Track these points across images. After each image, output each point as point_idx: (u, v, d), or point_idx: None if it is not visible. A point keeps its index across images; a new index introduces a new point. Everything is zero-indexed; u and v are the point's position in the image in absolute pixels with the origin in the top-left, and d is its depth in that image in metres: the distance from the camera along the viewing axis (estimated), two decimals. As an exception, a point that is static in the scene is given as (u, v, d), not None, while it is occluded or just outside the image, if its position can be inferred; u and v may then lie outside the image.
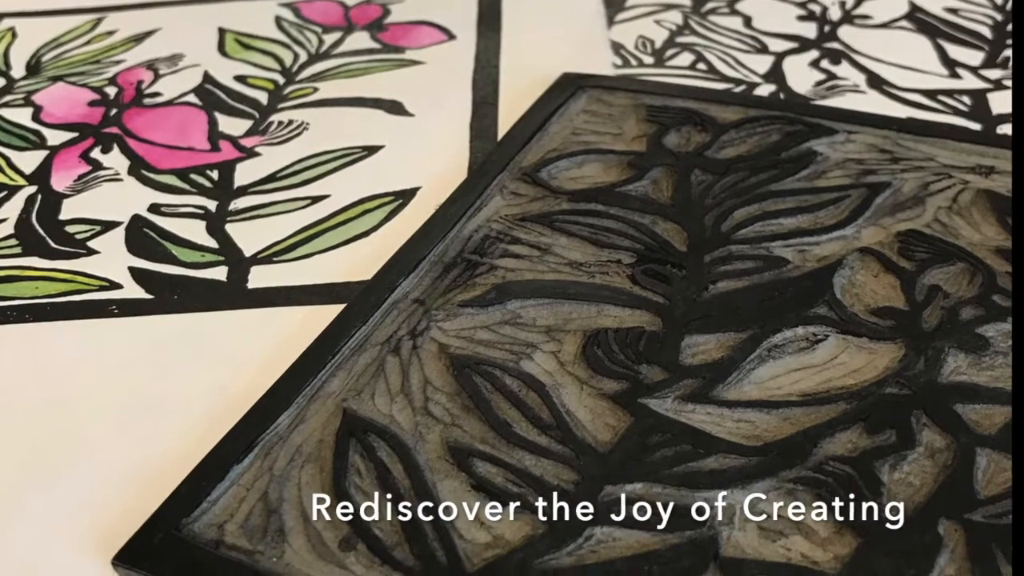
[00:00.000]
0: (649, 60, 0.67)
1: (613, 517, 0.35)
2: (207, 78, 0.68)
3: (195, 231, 0.54)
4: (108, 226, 0.55)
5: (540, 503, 0.36)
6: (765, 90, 0.62)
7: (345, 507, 0.37)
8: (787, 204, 0.50)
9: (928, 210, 0.49)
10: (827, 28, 0.68)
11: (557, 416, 0.39)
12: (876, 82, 0.62)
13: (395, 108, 0.64)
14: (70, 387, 0.45)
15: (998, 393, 0.39)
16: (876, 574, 0.33)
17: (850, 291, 0.44)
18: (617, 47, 0.68)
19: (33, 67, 0.71)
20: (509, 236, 0.49)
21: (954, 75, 0.62)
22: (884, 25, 0.69)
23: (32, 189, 0.58)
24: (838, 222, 0.48)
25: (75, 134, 0.63)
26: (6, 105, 0.67)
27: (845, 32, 0.68)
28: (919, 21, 0.68)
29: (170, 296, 0.49)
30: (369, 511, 0.36)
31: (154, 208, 0.56)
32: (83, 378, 0.45)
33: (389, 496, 0.37)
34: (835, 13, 0.70)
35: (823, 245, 0.47)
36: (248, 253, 0.52)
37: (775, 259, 0.47)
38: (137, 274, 0.51)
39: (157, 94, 0.67)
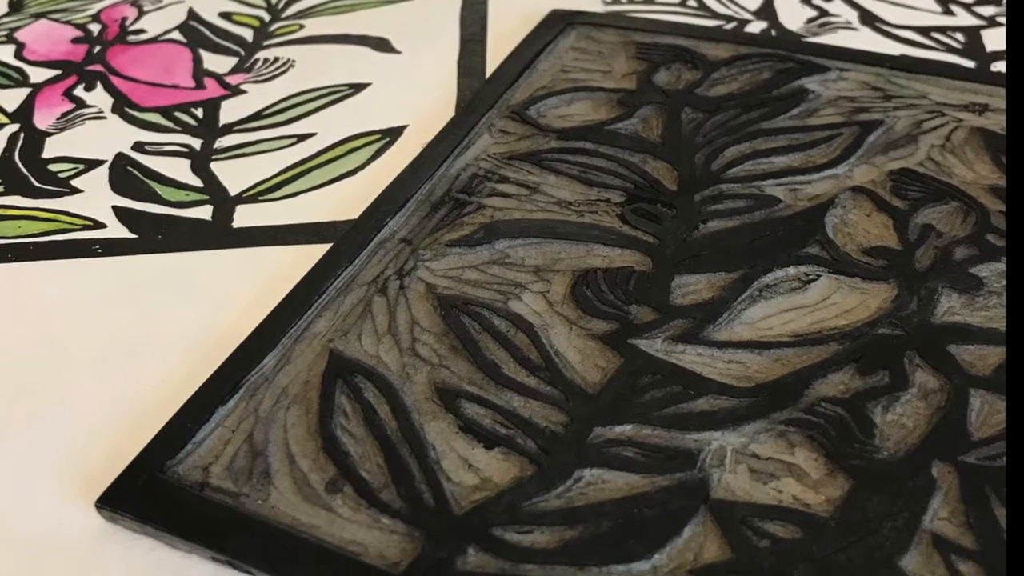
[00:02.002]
0: (639, -3, 0.64)
1: (602, 459, 0.34)
2: (191, 15, 0.66)
3: (180, 170, 0.52)
4: (91, 165, 0.53)
5: (529, 444, 0.35)
6: (756, 27, 0.60)
7: (331, 449, 0.35)
8: (778, 142, 0.48)
9: (921, 148, 0.47)
10: (819, -35, 0.66)
11: (546, 357, 0.38)
12: (868, 19, 0.60)
13: (382, 45, 0.61)
14: (53, 327, 0.43)
15: (992, 333, 0.37)
16: (868, 517, 0.32)
17: (842, 230, 0.43)
18: (607, -16, 0.66)
19: (16, 4, 0.69)
20: (497, 175, 0.47)
21: (947, 12, 0.60)
22: (876, -38, 0.66)
23: (14, 127, 0.56)
24: (830, 161, 0.47)
25: (58, 72, 0.61)
26: (-12, 42, 0.64)
27: (837, -31, 0.66)
28: (912, -42, 0.66)
29: (154, 236, 0.48)
30: (356, 452, 0.35)
31: (138, 147, 0.54)
32: (66, 318, 0.44)
33: (376, 438, 0.35)
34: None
35: (815, 184, 0.45)
36: (233, 192, 0.50)
37: (766, 198, 0.45)
38: (121, 213, 0.49)
39: (141, 31, 0.65)
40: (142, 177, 0.52)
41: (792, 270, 0.41)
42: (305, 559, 0.32)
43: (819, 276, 0.41)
